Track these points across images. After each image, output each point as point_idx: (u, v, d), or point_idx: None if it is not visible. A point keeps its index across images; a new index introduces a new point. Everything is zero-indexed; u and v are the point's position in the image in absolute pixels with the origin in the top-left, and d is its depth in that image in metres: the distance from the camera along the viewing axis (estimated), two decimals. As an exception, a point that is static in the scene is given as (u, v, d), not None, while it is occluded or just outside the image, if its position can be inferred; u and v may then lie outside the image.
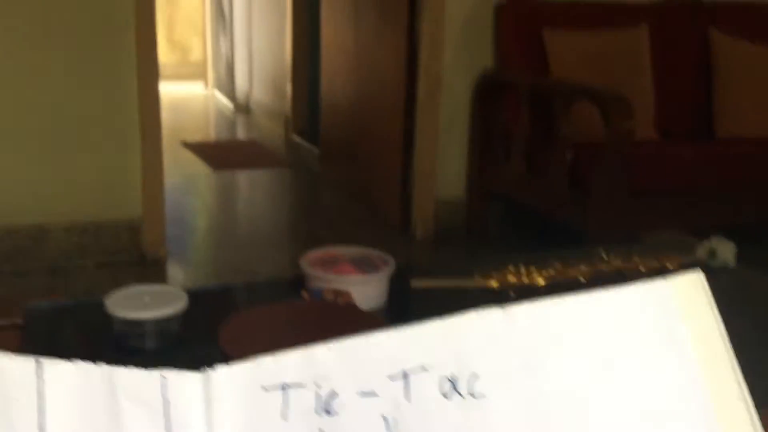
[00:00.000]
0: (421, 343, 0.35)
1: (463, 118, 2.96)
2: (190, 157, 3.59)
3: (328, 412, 0.34)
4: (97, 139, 2.50)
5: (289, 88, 4.34)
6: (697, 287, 0.35)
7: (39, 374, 0.29)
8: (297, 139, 4.04)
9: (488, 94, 2.85)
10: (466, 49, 2.90)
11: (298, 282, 0.92)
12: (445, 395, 0.34)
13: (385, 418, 0.34)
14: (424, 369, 0.34)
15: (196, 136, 4.54)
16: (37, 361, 0.30)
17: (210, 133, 5.37)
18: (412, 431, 0.33)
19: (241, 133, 5.33)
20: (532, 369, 0.34)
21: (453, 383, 0.34)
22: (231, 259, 2.62)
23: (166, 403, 0.33)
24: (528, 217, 2.92)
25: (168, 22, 7.00)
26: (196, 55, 7.15)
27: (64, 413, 0.29)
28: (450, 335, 0.34)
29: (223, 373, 0.35)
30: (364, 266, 0.92)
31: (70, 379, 0.30)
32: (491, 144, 2.85)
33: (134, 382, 0.32)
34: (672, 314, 0.34)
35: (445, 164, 2.97)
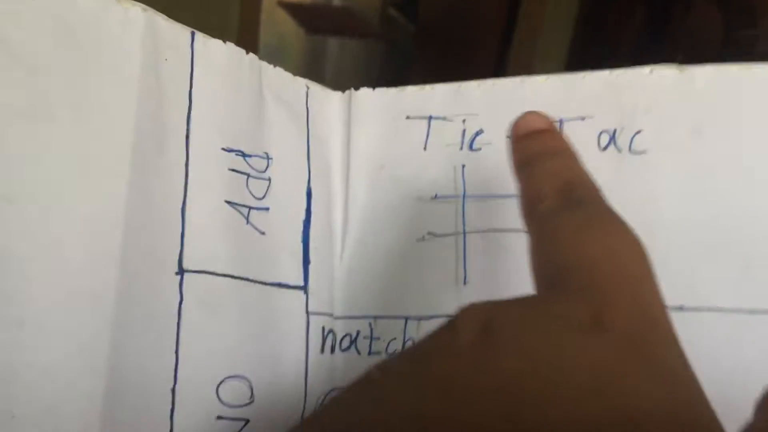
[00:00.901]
0: (584, 92, 0.32)
1: (568, 11, 2.81)
2: (285, 17, 3.55)
3: (471, 148, 0.32)
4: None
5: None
6: None
7: (192, 43, 0.28)
8: (393, 12, 3.93)
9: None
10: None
11: None
12: (601, 147, 0.31)
13: (533, 162, 0.31)
14: (582, 119, 0.31)
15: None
16: (191, 32, 0.28)
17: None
18: (562, 177, 0.31)
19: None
20: (700, 134, 0.31)
21: (612, 137, 0.31)
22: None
23: (308, 113, 0.32)
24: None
25: None
26: None
27: (210, 88, 0.28)
28: (617, 88, 0.31)
29: (365, 96, 0.33)
30: None
31: (219, 56, 0.28)
32: (595, 46, 2.71)
33: (280, 83, 0.31)
34: None
35: (543, 65, 2.85)
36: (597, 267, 0.17)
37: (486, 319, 0.16)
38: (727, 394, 0.28)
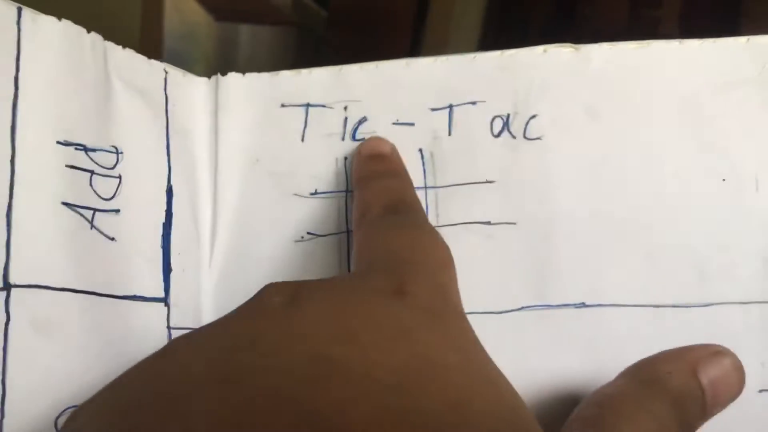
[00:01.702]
0: (474, 74, 0.29)
1: None
2: (192, 6, 3.44)
3: (354, 138, 0.29)
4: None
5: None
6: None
7: (18, 21, 0.24)
8: None
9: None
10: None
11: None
12: (494, 134, 0.29)
13: (420, 151, 0.29)
14: (473, 103, 0.29)
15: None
16: (18, 8, 0.24)
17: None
18: (450, 166, 0.28)
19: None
20: (599, 116, 0.28)
21: (505, 122, 0.29)
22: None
23: (166, 101, 0.28)
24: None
25: None
26: None
27: (42, 73, 0.24)
28: (509, 69, 0.29)
29: (234, 81, 0.29)
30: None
31: (53, 36, 0.24)
32: (507, 25, 2.74)
33: (131, 67, 0.27)
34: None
35: (457, 44, 2.86)
36: (400, 254, 0.19)
37: (293, 289, 0.16)
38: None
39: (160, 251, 0.26)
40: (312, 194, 0.28)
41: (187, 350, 0.15)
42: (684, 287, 0.27)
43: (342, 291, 0.17)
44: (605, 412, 0.19)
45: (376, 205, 0.23)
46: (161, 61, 0.28)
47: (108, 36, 0.27)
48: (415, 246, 0.20)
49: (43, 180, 0.23)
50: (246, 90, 0.29)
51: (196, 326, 0.27)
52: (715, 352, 0.22)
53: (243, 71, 0.30)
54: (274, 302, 0.16)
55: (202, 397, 0.13)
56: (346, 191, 0.28)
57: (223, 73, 0.29)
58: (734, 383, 0.21)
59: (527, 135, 0.29)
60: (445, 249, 0.21)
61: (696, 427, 0.21)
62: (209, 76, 0.30)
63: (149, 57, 0.28)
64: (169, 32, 0.27)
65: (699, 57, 0.29)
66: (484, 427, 0.13)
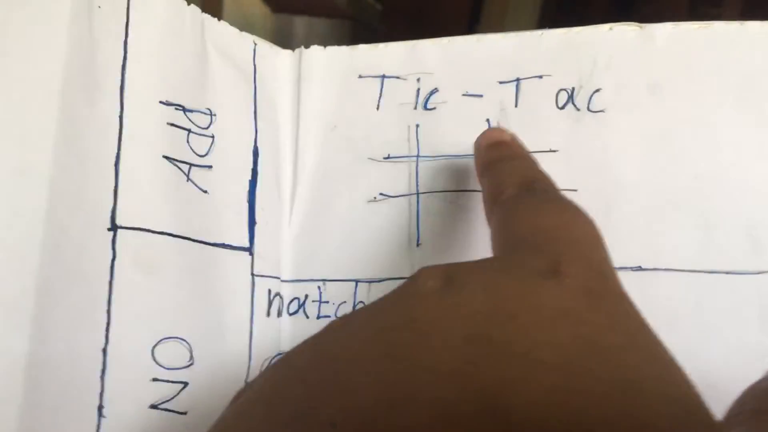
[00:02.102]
0: (541, 50, 0.31)
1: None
2: None
3: (426, 107, 0.31)
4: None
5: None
6: None
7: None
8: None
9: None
10: None
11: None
12: (559, 106, 0.30)
13: (488, 121, 0.30)
14: (539, 77, 0.31)
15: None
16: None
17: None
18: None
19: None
20: (659, 92, 0.30)
21: (570, 96, 0.30)
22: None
23: (255, 70, 0.30)
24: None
25: None
26: None
27: (148, 39, 0.26)
28: (575, 46, 0.31)
29: (316, 54, 0.32)
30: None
31: (158, 6, 0.27)
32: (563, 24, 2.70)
33: (224, 37, 0.30)
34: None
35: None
36: (551, 233, 0.18)
37: (447, 272, 0.16)
38: (688, 354, 0.28)
39: (246, 205, 0.29)
40: (385, 158, 0.31)
41: (344, 330, 0.16)
42: (738, 255, 0.28)
43: (496, 273, 0.16)
44: None
45: (510, 185, 0.22)
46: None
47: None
48: (563, 223, 0.19)
49: (147, 135, 0.26)
50: (326, 62, 0.31)
51: (277, 275, 0.29)
52: None
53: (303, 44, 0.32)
54: (428, 286, 0.16)
55: (363, 373, 0.14)
56: (417, 156, 0.30)
57: (285, 45, 0.32)
58: None
59: (591, 108, 0.30)
60: (593, 225, 0.20)
61: None
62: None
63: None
64: (228, 23, 0.29)
65: (760, 38, 0.30)
66: (656, 409, 0.13)
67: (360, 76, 0.31)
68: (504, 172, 0.24)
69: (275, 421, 0.13)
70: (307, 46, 0.32)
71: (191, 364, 0.25)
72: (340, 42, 0.32)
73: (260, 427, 0.14)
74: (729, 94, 0.30)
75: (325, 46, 0.32)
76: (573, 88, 0.30)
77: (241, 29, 0.31)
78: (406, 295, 0.16)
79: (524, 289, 0.15)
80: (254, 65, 0.30)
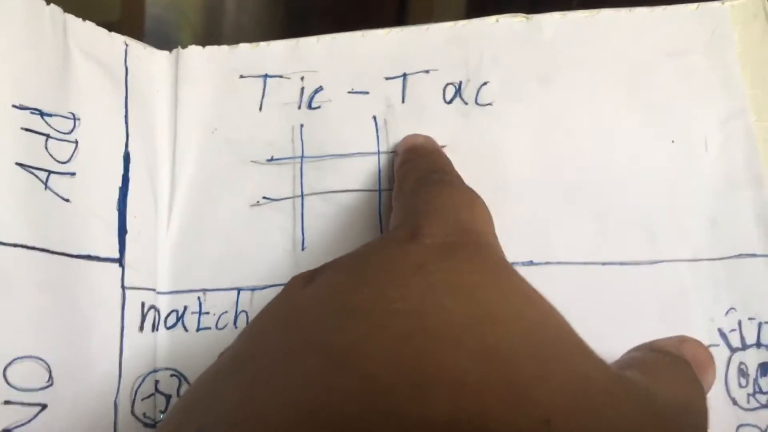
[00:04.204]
0: (428, 44, 0.30)
1: None
2: None
3: (310, 106, 0.30)
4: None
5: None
6: (758, 11, 0.29)
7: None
8: None
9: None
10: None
11: None
12: (446, 100, 0.29)
13: (374, 118, 0.29)
14: (426, 72, 0.30)
15: None
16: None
17: None
18: (403, 132, 0.29)
19: None
20: (548, 83, 0.29)
21: (458, 89, 0.29)
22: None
23: (126, 72, 0.29)
24: None
25: None
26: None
27: (1, 42, 0.25)
28: (462, 39, 0.30)
29: (194, 54, 0.30)
30: None
31: (11, 5, 0.25)
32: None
33: (91, 38, 0.28)
34: (725, 43, 0.29)
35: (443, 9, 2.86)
36: (421, 207, 0.19)
37: (314, 271, 0.18)
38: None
39: (116, 213, 0.27)
40: (268, 160, 0.29)
41: (229, 349, 0.17)
42: (633, 246, 0.27)
43: (358, 255, 0.17)
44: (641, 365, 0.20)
45: (410, 180, 0.24)
46: (143, 29, 0.29)
47: (89, 3, 0.28)
48: (436, 197, 0.20)
49: (-3, 140, 0.24)
50: (206, 62, 0.30)
51: (152, 287, 0.27)
52: (685, 339, 0.22)
53: (229, 40, 0.31)
54: (296, 284, 0.17)
55: (230, 377, 0.15)
56: (302, 157, 0.29)
57: (209, 42, 0.30)
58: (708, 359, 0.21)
59: (479, 101, 0.29)
60: (470, 193, 0.21)
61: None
62: (200, 45, 0.30)
63: (131, 25, 0.29)
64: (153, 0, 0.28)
65: (648, 24, 0.29)
66: (512, 338, 0.14)
67: (241, 76, 0.30)
68: (409, 171, 0.25)
69: None
70: (239, 24, 0.30)
71: (50, 385, 0.24)
72: (273, 17, 0.30)
73: None
74: (619, 83, 0.29)
75: (258, 23, 0.31)
76: (460, 82, 0.29)
77: (169, 6, 0.29)
78: (279, 296, 0.17)
79: (383, 258, 0.16)
80: (126, 67, 0.29)
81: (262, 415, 0.12)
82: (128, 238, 0.27)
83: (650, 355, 0.20)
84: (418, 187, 0.22)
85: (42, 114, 0.25)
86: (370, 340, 0.13)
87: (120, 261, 0.27)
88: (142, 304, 0.27)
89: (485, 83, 0.29)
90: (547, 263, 0.27)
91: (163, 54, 0.30)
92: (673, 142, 0.28)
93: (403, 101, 0.29)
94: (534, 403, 0.12)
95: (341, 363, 0.13)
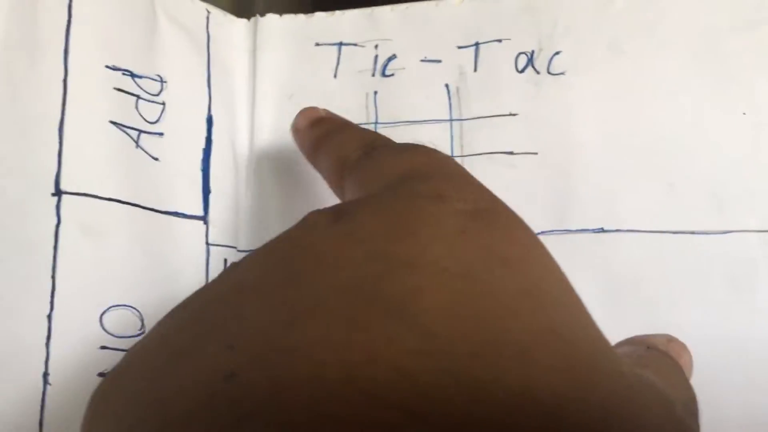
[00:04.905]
0: (500, 14, 0.30)
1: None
2: None
3: (384, 74, 0.30)
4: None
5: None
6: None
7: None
8: None
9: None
10: None
11: None
12: (518, 69, 0.30)
13: (447, 86, 0.30)
14: (498, 41, 0.30)
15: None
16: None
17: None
18: (474, 100, 0.29)
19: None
20: (621, 52, 0.29)
21: (530, 59, 0.30)
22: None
23: (208, 38, 0.30)
24: None
25: None
26: None
27: (93, 3, 0.26)
28: (535, 9, 0.30)
29: (272, 22, 0.31)
30: None
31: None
32: None
33: (175, 5, 0.29)
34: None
35: None
36: (423, 169, 0.18)
37: (336, 209, 0.16)
38: (654, 315, 0.27)
39: (200, 174, 0.28)
40: (343, 126, 0.30)
41: (237, 270, 0.15)
42: (702, 215, 0.28)
43: (387, 199, 0.16)
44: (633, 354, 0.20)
45: (353, 150, 0.21)
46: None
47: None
48: (432, 161, 0.19)
49: (92, 99, 0.25)
50: (282, 30, 0.31)
51: (234, 244, 0.28)
52: (672, 339, 0.21)
53: (263, 11, 0.31)
54: (319, 221, 0.15)
55: (260, 299, 0.13)
56: (375, 123, 0.30)
57: (244, 11, 0.31)
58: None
59: (551, 70, 0.30)
60: (449, 157, 0.20)
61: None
62: (235, 14, 0.31)
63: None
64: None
65: None
66: (554, 315, 0.13)
67: (317, 44, 0.31)
68: (340, 143, 0.23)
69: (171, 351, 0.13)
70: (263, 14, 0.31)
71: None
72: (301, 8, 0.31)
73: (156, 361, 0.13)
74: (691, 52, 0.29)
75: (281, 14, 0.31)
76: (533, 51, 0.30)
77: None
78: (297, 231, 0.15)
79: (420, 210, 0.15)
80: (208, 33, 0.30)
81: (307, 357, 0.11)
82: (212, 197, 0.28)
83: (651, 353, 0.20)
84: (385, 151, 0.20)
85: (133, 75, 0.27)
86: (425, 294, 0.12)
87: (204, 219, 0.28)
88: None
89: (557, 53, 0.30)
90: (617, 230, 0.28)
91: (242, 22, 0.31)
92: (744, 114, 0.28)
93: (475, 70, 0.30)
94: (592, 390, 0.12)
95: (396, 313, 0.12)
